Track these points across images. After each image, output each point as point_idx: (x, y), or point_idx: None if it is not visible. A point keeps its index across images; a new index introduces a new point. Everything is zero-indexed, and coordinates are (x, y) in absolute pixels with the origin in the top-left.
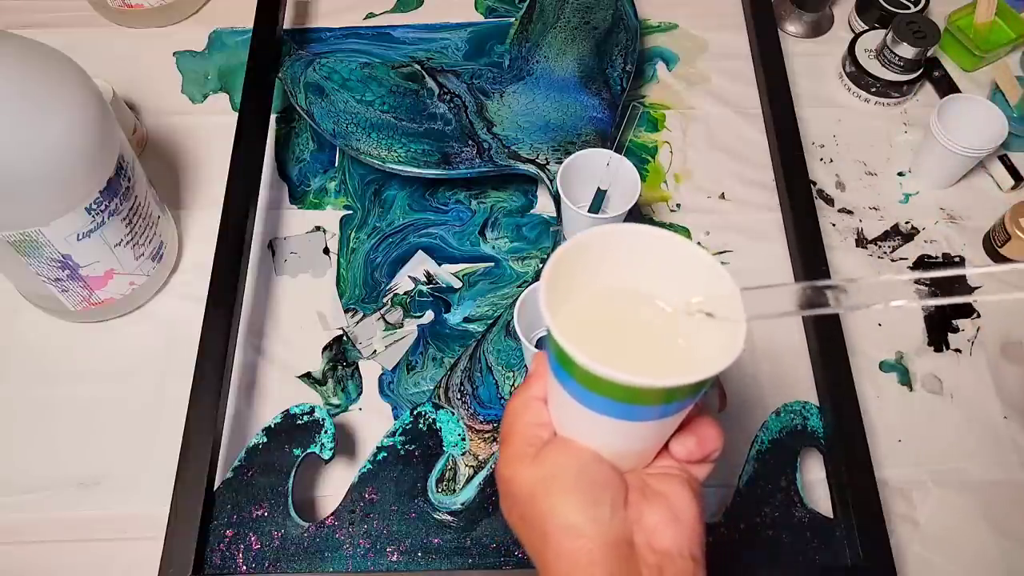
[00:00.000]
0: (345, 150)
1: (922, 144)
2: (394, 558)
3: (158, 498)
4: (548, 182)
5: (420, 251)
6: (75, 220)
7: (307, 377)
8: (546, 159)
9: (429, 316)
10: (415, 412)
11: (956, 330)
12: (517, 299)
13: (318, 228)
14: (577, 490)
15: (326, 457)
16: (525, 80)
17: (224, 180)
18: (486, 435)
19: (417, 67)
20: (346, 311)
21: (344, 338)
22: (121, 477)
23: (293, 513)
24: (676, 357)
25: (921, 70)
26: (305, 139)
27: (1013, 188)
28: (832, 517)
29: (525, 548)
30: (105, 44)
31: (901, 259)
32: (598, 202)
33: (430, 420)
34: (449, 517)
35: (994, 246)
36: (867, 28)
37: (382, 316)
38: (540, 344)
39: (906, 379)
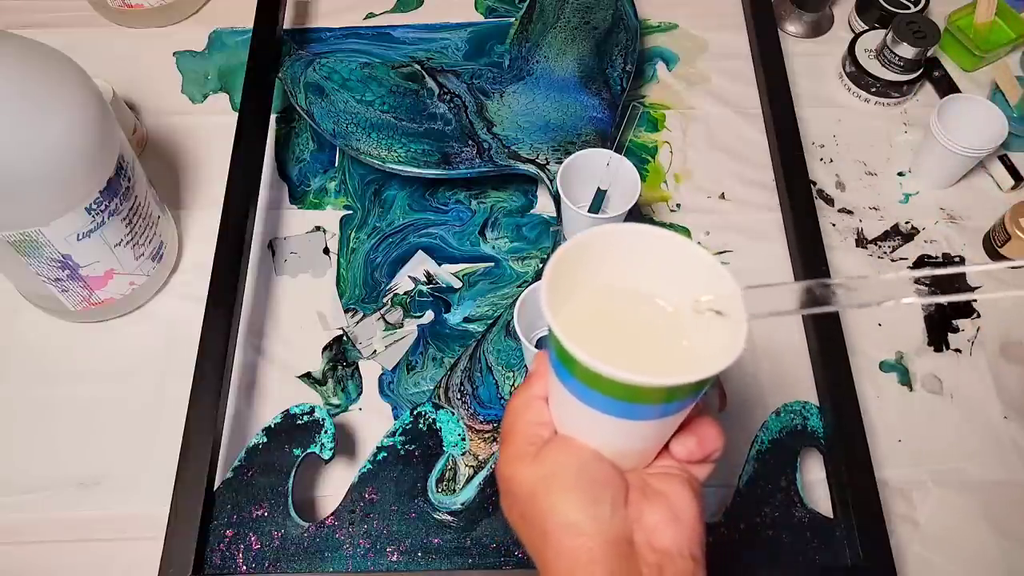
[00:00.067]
0: (345, 150)
1: (922, 144)
2: (394, 558)
3: (158, 498)
4: (548, 182)
5: (420, 251)
6: (75, 220)
7: (307, 377)
8: (546, 159)
9: (429, 316)
10: (415, 412)
11: (956, 330)
12: (517, 299)
13: (318, 228)
14: (577, 488)
15: (326, 457)
16: (525, 80)
17: (224, 180)
18: (486, 435)
19: (417, 67)
20: (346, 311)
21: (344, 338)
22: (121, 477)
23: (293, 513)
24: (677, 356)
25: (921, 70)
26: (305, 139)
27: (1013, 188)
28: (832, 517)
29: (525, 547)
30: (105, 44)
31: (901, 259)
32: (598, 202)
33: (430, 420)
34: (449, 517)
35: (994, 246)
36: (867, 28)
37: (382, 316)
38: (540, 344)
39: (906, 379)
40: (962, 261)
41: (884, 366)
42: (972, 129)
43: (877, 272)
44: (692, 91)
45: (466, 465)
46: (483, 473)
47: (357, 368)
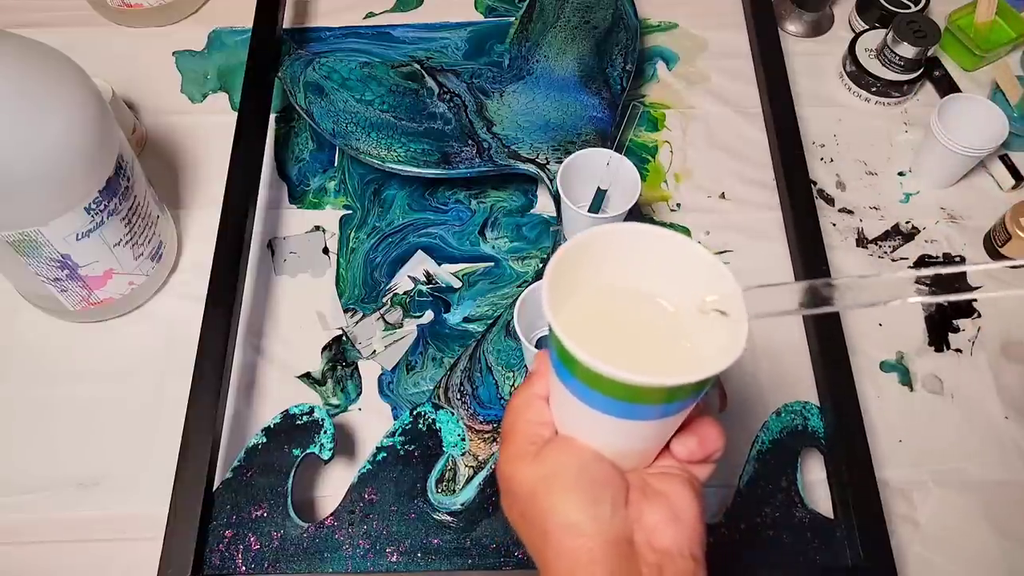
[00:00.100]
0: (344, 150)
1: (922, 144)
2: (394, 559)
3: (157, 498)
4: (548, 182)
5: (420, 251)
6: (74, 220)
7: (306, 377)
8: (546, 159)
9: (429, 316)
10: (415, 412)
11: (957, 330)
12: (517, 299)
13: (317, 228)
14: (578, 488)
15: (325, 457)
16: (525, 79)
17: (223, 179)
18: (486, 435)
19: (417, 66)
20: (345, 311)
21: (344, 338)
22: (120, 477)
23: (292, 513)
24: (678, 356)
25: (921, 70)
26: (304, 138)
27: (1014, 188)
28: (833, 517)
29: (526, 546)
30: (104, 43)
31: (902, 259)
32: (598, 202)
33: (430, 420)
34: (449, 518)
35: (995, 246)
36: (867, 27)
37: (382, 316)
38: (540, 344)
39: (907, 379)
40: (962, 261)
41: (885, 366)
42: (973, 129)
43: (878, 272)
44: (692, 90)
45: (466, 465)
46: (483, 473)
47: (356, 368)
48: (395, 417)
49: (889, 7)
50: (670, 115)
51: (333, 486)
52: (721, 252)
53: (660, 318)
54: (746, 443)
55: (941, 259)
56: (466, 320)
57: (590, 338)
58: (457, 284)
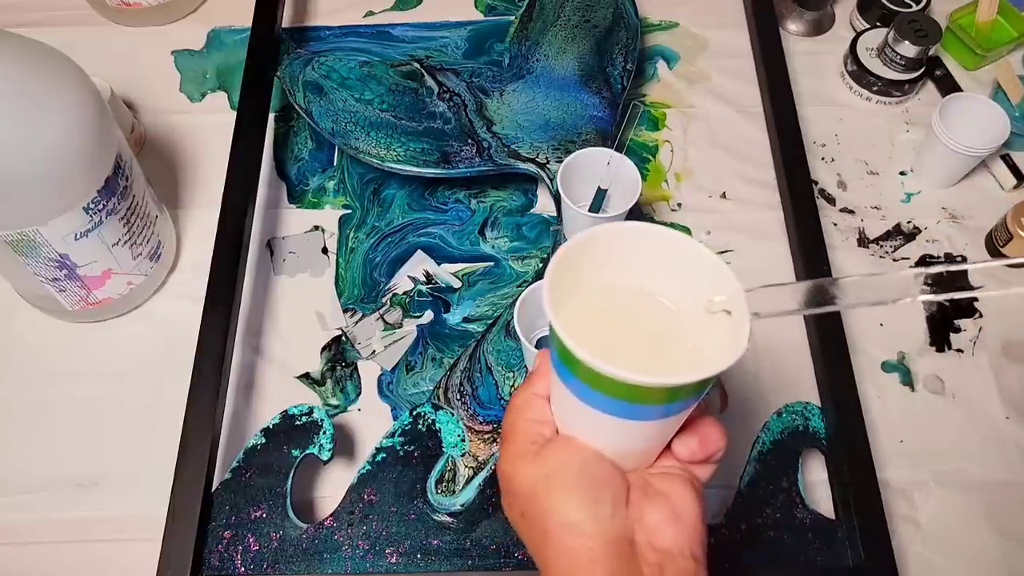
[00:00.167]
0: (344, 149)
1: (924, 143)
2: (393, 559)
3: (156, 499)
4: (548, 181)
5: (419, 251)
6: (73, 220)
7: (306, 377)
8: (546, 158)
9: (428, 316)
10: (414, 413)
11: (958, 330)
12: (517, 299)
13: (317, 227)
14: (578, 488)
15: (325, 458)
16: (525, 79)
17: (222, 179)
18: (486, 436)
19: (416, 65)
20: (345, 311)
21: (343, 338)
22: (119, 477)
23: (292, 514)
24: (679, 355)
25: (923, 69)
26: (304, 138)
27: (1015, 187)
28: (834, 518)
29: (526, 546)
30: (103, 43)
31: (903, 259)
32: (598, 201)
33: (429, 421)
34: (449, 518)
35: (996, 246)
36: (868, 27)
37: (381, 316)
38: (540, 344)
39: (908, 379)
40: (964, 261)
41: (886, 366)
42: (974, 128)
43: (882, 272)
44: (693, 90)
45: (466, 466)
46: (483, 474)
47: (356, 368)
48: (395, 418)
49: (890, 6)
50: (671, 114)
51: (332, 487)
52: (722, 252)
53: (661, 317)
54: (747, 443)
55: (942, 259)
56: (466, 320)
57: (591, 337)
58: (457, 284)
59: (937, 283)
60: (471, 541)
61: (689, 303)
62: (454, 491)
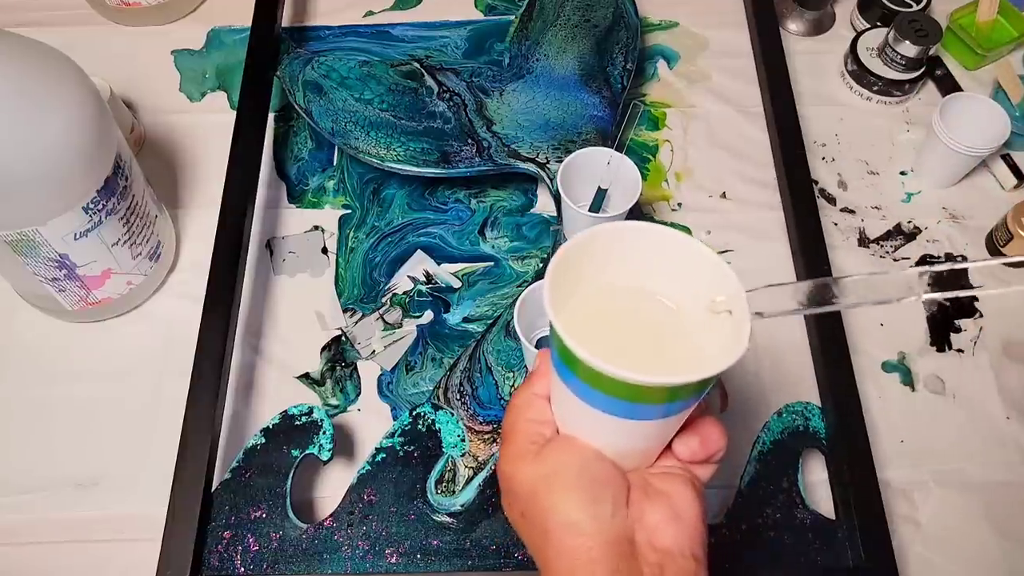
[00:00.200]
0: (344, 149)
1: (924, 143)
2: (393, 560)
3: (156, 499)
4: (548, 181)
5: (419, 250)
6: (72, 219)
7: (305, 377)
8: (546, 158)
9: (428, 316)
10: (414, 413)
11: (959, 330)
12: (517, 299)
13: (316, 227)
14: (578, 488)
15: (324, 458)
16: (525, 78)
17: (222, 179)
18: (486, 436)
19: (416, 65)
20: (345, 311)
21: (343, 338)
22: (119, 477)
23: (291, 514)
24: (680, 355)
25: (923, 68)
26: (303, 138)
27: (1016, 187)
28: (834, 518)
29: (526, 545)
30: (103, 42)
31: (903, 259)
32: (599, 201)
33: (429, 421)
34: (448, 519)
35: (996, 246)
36: (869, 26)
37: (381, 316)
38: (540, 344)
39: (908, 379)
40: (964, 261)
41: (886, 366)
42: (974, 128)
43: (885, 271)
44: (693, 89)
45: (466, 466)
46: (483, 474)
47: (356, 368)
48: (394, 418)
49: (890, 6)
50: (671, 114)
51: (332, 487)
52: (722, 252)
53: (662, 317)
54: (747, 443)
55: (943, 259)
56: (466, 320)
57: (591, 337)
58: (457, 284)
59: (937, 283)
60: (471, 541)
61: (689, 303)
62: (454, 491)
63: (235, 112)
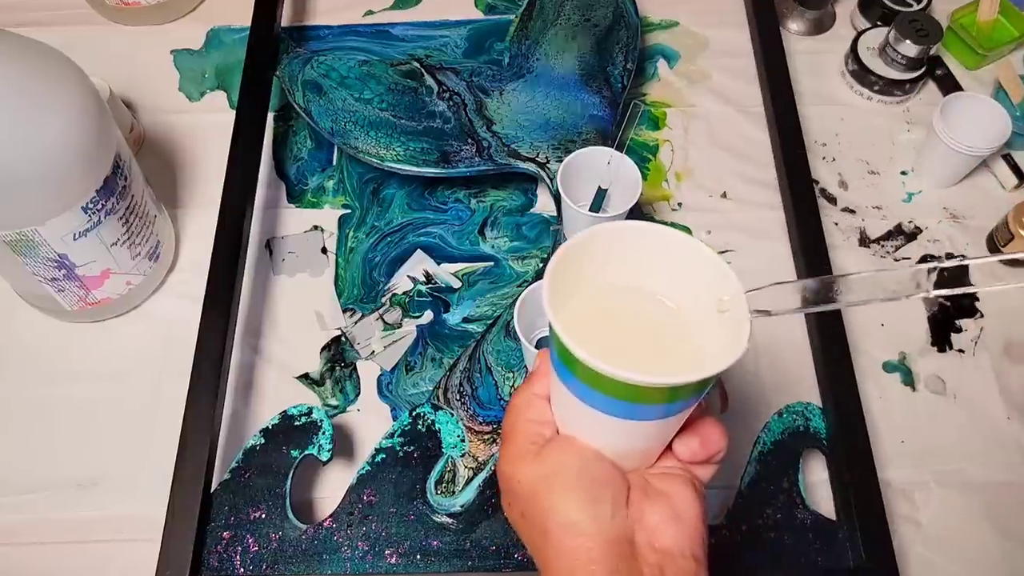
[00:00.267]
0: (343, 148)
1: (925, 143)
2: (393, 560)
3: (155, 499)
4: (548, 181)
5: (419, 250)
6: (71, 219)
7: (305, 378)
8: (546, 157)
9: (428, 316)
10: (414, 413)
11: (959, 330)
12: (517, 299)
13: (316, 227)
14: (578, 488)
15: (324, 459)
16: (525, 78)
17: (221, 179)
18: (485, 436)
19: (416, 65)
20: (344, 311)
21: (342, 338)
22: (118, 478)
23: (291, 515)
24: (679, 355)
25: (924, 68)
26: (303, 137)
27: (1016, 187)
28: (834, 518)
29: (526, 546)
30: (102, 42)
31: (904, 258)
32: (599, 201)
33: (429, 421)
34: (448, 519)
35: (997, 246)
36: (869, 26)
37: (381, 316)
38: (540, 344)
39: (909, 379)
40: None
41: (887, 366)
42: (975, 128)
43: (892, 268)
44: (693, 89)
45: (465, 467)
46: (482, 475)
47: (355, 369)
48: (394, 418)
49: (891, 5)
50: (671, 114)
51: (332, 487)
52: (723, 252)
53: (661, 317)
54: (748, 444)
55: (944, 259)
56: (466, 320)
57: (591, 337)
58: (457, 284)
59: (947, 279)
60: (471, 542)
61: (689, 302)
62: (454, 492)
63: (234, 112)
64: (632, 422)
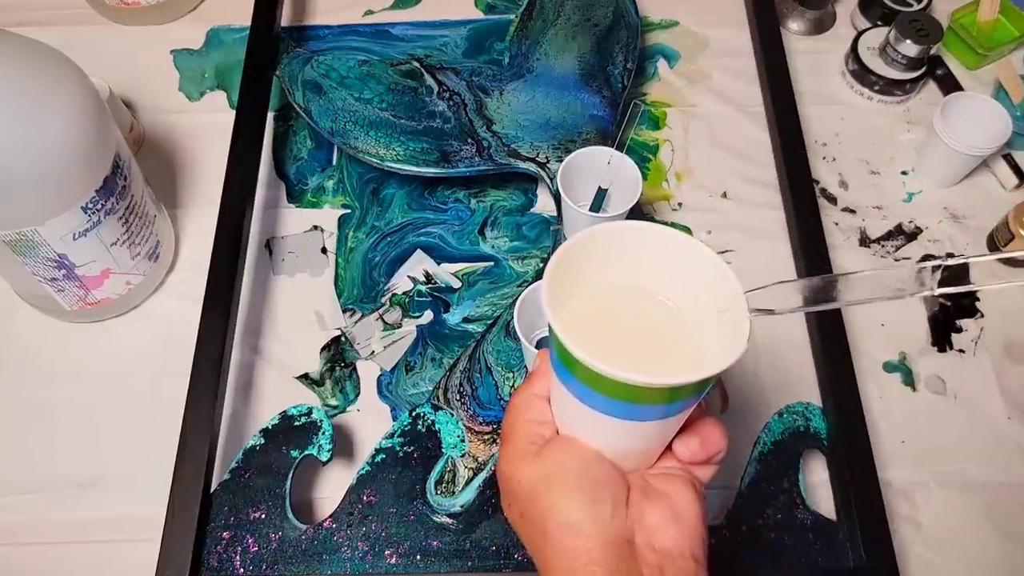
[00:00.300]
0: (343, 148)
1: (925, 143)
2: (392, 561)
3: (155, 499)
4: (548, 181)
5: (419, 250)
6: (71, 219)
7: (305, 378)
8: (546, 157)
9: (428, 316)
10: (414, 413)
11: (960, 330)
12: (517, 299)
13: (316, 227)
14: (578, 488)
15: (324, 459)
16: (525, 78)
17: (221, 179)
18: (485, 437)
19: (416, 64)
20: (344, 311)
21: (342, 338)
22: (118, 478)
23: (291, 515)
24: (679, 355)
25: (924, 68)
26: (303, 137)
27: (1017, 187)
28: (835, 519)
29: (526, 546)
30: (102, 42)
31: (904, 259)
32: (599, 201)
33: (429, 421)
34: (448, 519)
35: (997, 246)
36: (870, 25)
37: (380, 316)
38: (540, 344)
39: (909, 379)
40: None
41: (887, 366)
42: (976, 128)
43: (896, 266)
44: (693, 89)
45: (465, 467)
46: (482, 475)
47: (355, 369)
48: (394, 418)
49: (891, 5)
50: (671, 113)
51: (331, 488)
52: (723, 252)
53: (661, 317)
54: (748, 444)
55: (944, 259)
56: (466, 320)
57: (591, 338)
58: (456, 284)
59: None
60: (471, 542)
61: (689, 303)
62: (454, 492)
63: (234, 112)
64: (632, 422)
